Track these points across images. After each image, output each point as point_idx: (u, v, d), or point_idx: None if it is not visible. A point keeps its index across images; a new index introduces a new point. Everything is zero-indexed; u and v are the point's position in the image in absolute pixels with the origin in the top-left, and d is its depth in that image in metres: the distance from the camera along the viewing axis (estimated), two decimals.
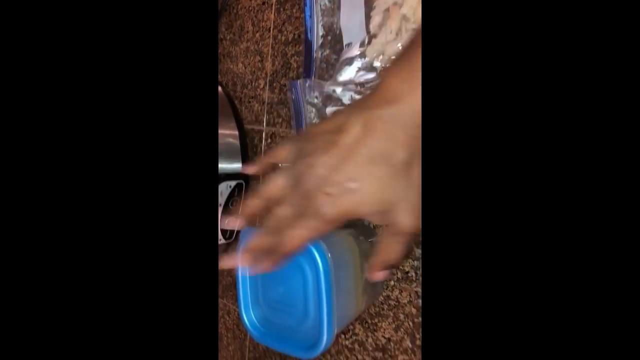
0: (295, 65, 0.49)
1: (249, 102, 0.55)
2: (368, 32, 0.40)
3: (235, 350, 0.60)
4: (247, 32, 0.55)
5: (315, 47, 0.46)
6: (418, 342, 0.39)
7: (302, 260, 0.33)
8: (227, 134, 0.53)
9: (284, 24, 0.50)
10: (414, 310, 0.39)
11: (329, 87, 0.43)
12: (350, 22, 0.42)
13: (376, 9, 0.39)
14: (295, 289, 0.34)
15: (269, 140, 0.52)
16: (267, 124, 0.52)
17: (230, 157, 0.52)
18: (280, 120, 0.51)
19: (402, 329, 0.40)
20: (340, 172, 0.25)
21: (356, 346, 0.45)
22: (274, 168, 0.33)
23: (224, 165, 0.51)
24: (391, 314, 0.41)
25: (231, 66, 0.57)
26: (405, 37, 0.36)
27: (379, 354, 0.43)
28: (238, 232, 0.53)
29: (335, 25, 0.44)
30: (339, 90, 0.42)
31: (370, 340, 0.43)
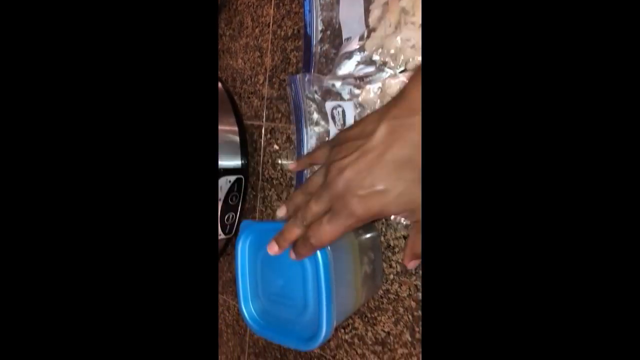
0: (294, 61, 0.49)
1: (249, 97, 0.55)
2: (367, 25, 0.40)
3: (235, 346, 0.60)
4: (247, 27, 0.55)
5: (314, 41, 0.46)
6: (417, 336, 0.39)
7: None
8: (227, 129, 0.53)
9: (283, 19, 0.50)
10: (413, 304, 0.39)
11: (328, 82, 0.43)
12: (350, 16, 0.42)
13: (375, 2, 0.39)
14: (294, 281, 0.34)
15: (269, 136, 0.52)
16: (267, 120, 0.52)
17: (229, 153, 0.52)
18: (279, 115, 0.51)
19: (401, 323, 0.41)
20: (368, 176, 0.27)
21: (356, 340, 0.45)
22: (312, 166, 0.38)
23: (223, 161, 0.51)
24: (391, 308, 0.41)
25: (231, 62, 0.57)
26: (405, 30, 0.36)
27: (378, 348, 0.43)
28: (238, 227, 0.53)
29: (334, 20, 0.44)
30: (338, 84, 0.42)
31: (370, 334, 0.43)
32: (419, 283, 0.39)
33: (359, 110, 0.41)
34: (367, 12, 0.40)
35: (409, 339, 0.40)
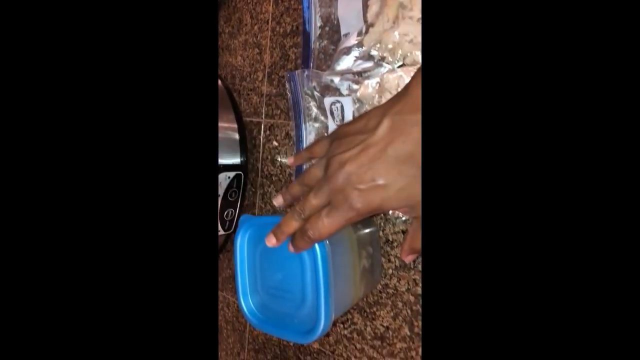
0: (293, 57, 0.49)
1: (248, 94, 0.55)
2: (365, 21, 0.40)
3: (235, 343, 0.60)
4: (246, 24, 0.55)
5: (313, 38, 0.46)
6: (416, 330, 0.39)
7: None
8: (226, 126, 0.53)
9: (282, 15, 0.50)
10: (412, 298, 0.40)
11: (326, 77, 0.43)
12: (348, 12, 0.42)
13: None
14: (293, 275, 0.34)
15: (268, 132, 0.52)
16: (266, 116, 0.53)
17: (229, 150, 0.52)
18: (278, 111, 0.51)
19: (400, 317, 0.41)
20: (369, 170, 0.27)
21: (355, 335, 0.45)
22: (310, 160, 0.38)
23: (223, 158, 0.51)
24: (389, 302, 0.41)
25: (230, 59, 0.58)
26: (402, 25, 0.36)
27: (377, 343, 0.43)
28: (237, 223, 0.53)
29: (333, 16, 0.44)
30: (336, 79, 0.42)
31: (369, 329, 0.43)
32: (418, 277, 0.39)
33: (357, 105, 0.42)
34: (365, 7, 0.40)
35: (408, 333, 0.40)
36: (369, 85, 0.39)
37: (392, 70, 0.38)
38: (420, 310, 0.39)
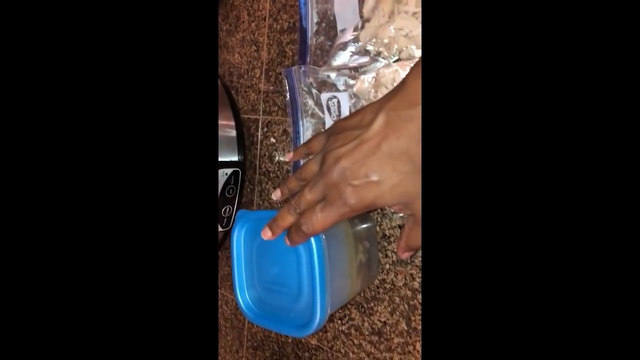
0: (290, 54, 0.49)
1: (246, 91, 0.55)
2: (361, 16, 0.40)
3: (233, 340, 0.60)
4: (243, 22, 0.55)
5: (310, 34, 0.46)
6: (414, 325, 0.39)
7: None
8: (224, 124, 0.53)
9: (279, 12, 0.50)
10: (409, 293, 0.40)
11: (323, 73, 0.43)
12: (344, 7, 0.42)
13: None
14: (289, 269, 0.34)
15: (265, 129, 0.53)
16: (264, 113, 0.53)
17: (227, 146, 0.52)
18: (276, 108, 0.51)
19: (397, 312, 0.41)
20: (363, 166, 0.27)
21: (352, 331, 0.45)
22: (308, 156, 0.38)
23: (220, 155, 0.51)
24: (387, 298, 0.41)
25: (228, 57, 0.58)
26: (398, 19, 0.36)
27: (375, 338, 0.43)
28: (234, 220, 0.53)
29: (329, 12, 0.44)
30: (333, 75, 0.42)
31: (366, 324, 0.43)
32: (415, 272, 0.39)
33: (353, 100, 0.42)
34: (361, 2, 0.40)
35: (405, 328, 0.40)
36: (365, 80, 0.39)
37: (388, 65, 0.38)
38: (418, 305, 0.39)
